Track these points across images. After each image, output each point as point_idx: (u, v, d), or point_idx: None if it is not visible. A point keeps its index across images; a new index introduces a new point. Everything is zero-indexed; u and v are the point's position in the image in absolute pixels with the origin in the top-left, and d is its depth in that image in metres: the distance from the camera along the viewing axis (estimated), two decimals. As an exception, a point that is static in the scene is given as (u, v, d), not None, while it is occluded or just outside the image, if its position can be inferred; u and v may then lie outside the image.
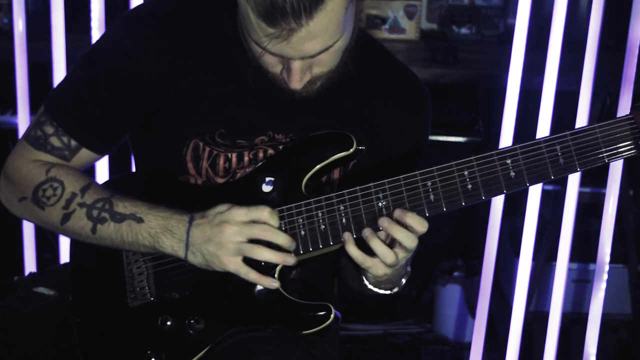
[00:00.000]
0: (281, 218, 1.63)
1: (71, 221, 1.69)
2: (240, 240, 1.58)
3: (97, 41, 1.77)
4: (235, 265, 1.59)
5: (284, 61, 1.58)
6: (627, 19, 2.49)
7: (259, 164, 1.72)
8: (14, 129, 2.99)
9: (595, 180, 3.01)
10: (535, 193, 2.62)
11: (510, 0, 3.62)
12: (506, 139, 2.59)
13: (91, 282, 1.78)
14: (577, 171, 1.52)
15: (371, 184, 1.59)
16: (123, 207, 1.66)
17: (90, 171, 2.61)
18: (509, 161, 1.54)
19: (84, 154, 1.74)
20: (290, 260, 1.60)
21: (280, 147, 1.73)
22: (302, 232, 1.62)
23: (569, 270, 2.71)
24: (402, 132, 1.79)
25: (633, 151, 1.51)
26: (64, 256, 2.78)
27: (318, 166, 1.67)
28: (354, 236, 1.59)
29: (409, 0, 3.59)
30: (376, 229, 1.57)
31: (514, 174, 1.54)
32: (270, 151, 1.73)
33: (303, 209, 1.63)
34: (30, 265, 2.78)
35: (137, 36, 1.70)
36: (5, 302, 1.80)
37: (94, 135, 1.74)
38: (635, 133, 1.51)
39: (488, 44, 3.62)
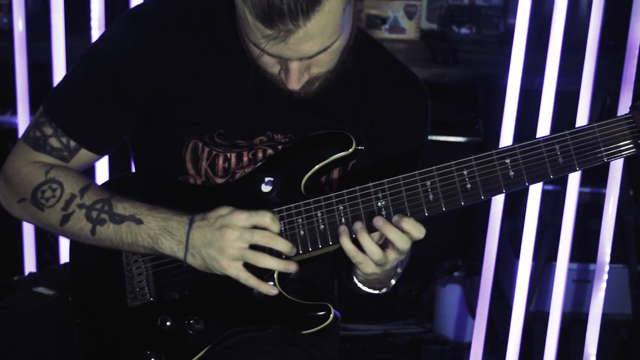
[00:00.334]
0: (280, 218, 1.63)
1: (70, 222, 1.69)
2: (242, 245, 1.58)
3: (97, 41, 1.77)
4: (235, 270, 1.59)
5: (282, 62, 1.58)
6: (627, 19, 2.49)
7: (258, 164, 1.72)
8: (14, 129, 2.99)
9: (595, 180, 3.01)
10: (535, 193, 2.61)
11: (510, 0, 3.61)
12: (506, 139, 2.59)
13: (91, 282, 1.77)
14: (576, 170, 1.52)
15: (370, 184, 1.59)
16: (122, 208, 1.66)
17: (90, 171, 2.61)
18: (508, 161, 1.54)
19: (83, 154, 1.74)
20: (292, 268, 1.60)
21: (280, 147, 1.73)
22: (302, 232, 1.62)
23: (569, 270, 2.71)
24: (401, 132, 1.79)
25: (632, 150, 1.51)
26: (64, 256, 2.78)
27: (317, 166, 1.67)
28: (353, 236, 1.59)
29: (409, 0, 3.59)
30: (372, 228, 1.57)
31: (513, 173, 1.54)
32: (270, 151, 1.73)
33: (302, 209, 1.63)
34: (30, 265, 2.78)
35: (137, 36, 1.69)
36: (5, 302, 1.80)
37: (94, 135, 1.74)
38: (634, 132, 1.51)
39: (488, 44, 3.62)
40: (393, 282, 1.73)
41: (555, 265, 2.67)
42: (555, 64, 2.51)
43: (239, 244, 1.57)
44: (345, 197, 1.60)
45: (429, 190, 1.57)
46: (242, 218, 1.58)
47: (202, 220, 1.61)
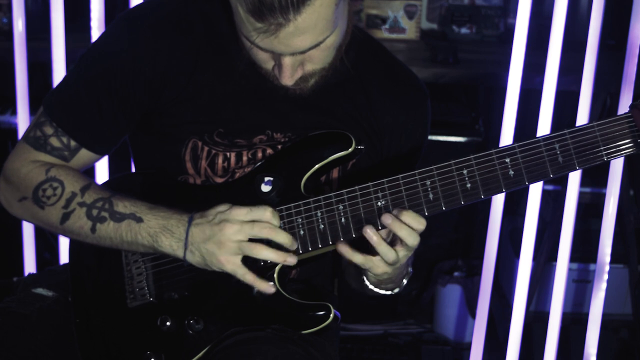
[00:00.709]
0: (280, 218, 1.63)
1: (71, 220, 1.69)
2: (241, 239, 1.57)
3: (95, 41, 1.78)
4: (233, 265, 1.59)
5: (275, 57, 1.58)
6: (628, 18, 2.49)
7: (258, 163, 1.72)
8: (14, 129, 2.99)
9: (595, 180, 3.01)
10: (535, 193, 2.61)
11: (511, 0, 3.62)
12: (506, 138, 2.59)
13: (90, 282, 1.77)
14: (576, 169, 1.52)
15: (370, 184, 1.59)
16: (123, 206, 1.66)
17: (90, 171, 2.61)
18: (507, 160, 1.54)
19: (84, 154, 1.74)
20: (292, 260, 1.59)
21: (279, 146, 1.73)
22: (302, 232, 1.62)
23: (570, 270, 2.71)
24: (401, 132, 1.78)
25: (632, 149, 1.51)
26: (64, 257, 2.77)
27: (317, 166, 1.67)
28: (354, 235, 1.59)
29: (409, 0, 3.59)
30: (376, 227, 1.57)
31: (512, 172, 1.54)
32: (269, 150, 1.73)
33: (302, 208, 1.62)
34: (29, 266, 2.78)
35: (134, 36, 1.70)
36: (5, 303, 1.80)
37: (94, 135, 1.74)
38: (634, 131, 1.51)
39: (488, 44, 3.62)
40: (405, 281, 1.72)
41: (555, 265, 2.67)
42: (555, 64, 2.51)
43: (238, 236, 1.57)
44: (345, 196, 1.60)
45: (429, 189, 1.57)
46: (242, 213, 1.58)
47: (201, 217, 1.61)
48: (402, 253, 1.57)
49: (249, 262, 1.60)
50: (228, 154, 1.73)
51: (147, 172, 1.82)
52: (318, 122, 1.73)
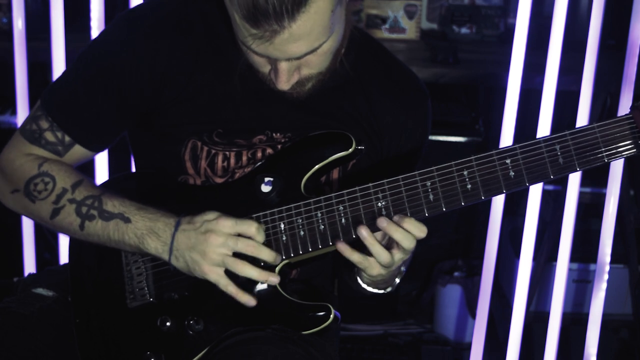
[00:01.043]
0: (280, 218, 1.63)
1: (60, 216, 1.70)
2: (224, 252, 1.58)
3: (95, 39, 1.78)
4: (216, 275, 1.59)
5: (271, 62, 1.58)
6: (628, 18, 2.49)
7: (258, 164, 1.72)
8: (14, 129, 2.97)
9: (595, 180, 3.01)
10: (535, 193, 2.61)
11: (511, -1, 3.62)
12: (506, 138, 2.58)
13: (90, 282, 1.77)
14: (576, 171, 1.52)
15: (370, 184, 1.59)
16: (112, 205, 1.67)
17: (90, 170, 2.62)
18: (508, 161, 1.54)
19: (78, 150, 1.75)
20: (274, 280, 1.60)
21: (279, 146, 1.73)
22: (302, 233, 1.62)
23: (570, 270, 2.71)
24: (401, 132, 1.78)
25: (633, 151, 1.51)
26: (64, 257, 2.77)
27: (317, 166, 1.67)
28: (354, 236, 1.59)
29: (409, 0, 3.59)
30: (374, 229, 1.57)
31: (513, 173, 1.54)
32: (269, 150, 1.73)
33: (302, 209, 1.62)
34: (29, 266, 2.78)
35: (132, 36, 1.70)
36: (4, 303, 1.80)
37: (88, 132, 1.75)
38: (634, 132, 1.50)
39: (488, 44, 3.61)
40: (398, 280, 1.73)
41: (555, 266, 2.67)
42: (555, 64, 2.51)
43: (221, 250, 1.57)
44: (346, 197, 1.60)
45: (429, 190, 1.57)
46: (228, 225, 1.58)
47: (189, 223, 1.61)
48: (398, 256, 1.57)
49: (249, 261, 1.60)
50: (227, 153, 1.73)
51: (147, 172, 1.82)
52: (318, 123, 1.73)
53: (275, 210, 1.64)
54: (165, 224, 1.63)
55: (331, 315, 1.64)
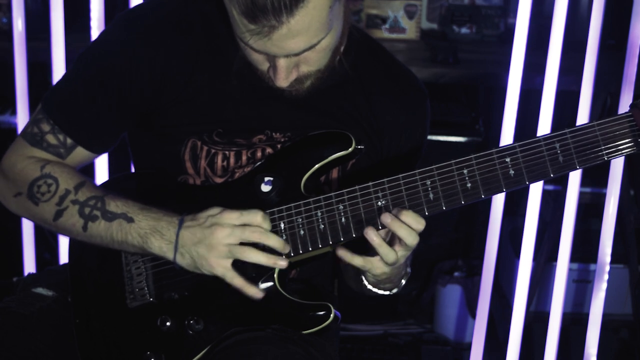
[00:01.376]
0: (280, 218, 1.63)
1: (64, 218, 1.69)
2: (232, 242, 1.57)
3: (95, 40, 1.78)
4: (223, 268, 1.59)
5: (269, 59, 1.57)
6: (628, 18, 2.49)
7: (258, 163, 1.72)
8: (14, 129, 2.99)
9: (596, 180, 3.01)
10: (535, 193, 2.61)
11: (511, -1, 3.62)
12: (507, 138, 2.58)
13: (90, 282, 1.77)
14: (576, 169, 1.52)
15: (370, 183, 1.59)
16: (115, 206, 1.67)
17: (90, 171, 2.62)
18: (508, 159, 1.54)
19: (80, 152, 1.75)
20: (282, 263, 1.59)
21: (279, 146, 1.73)
22: (302, 232, 1.62)
23: (570, 270, 2.71)
24: (400, 132, 1.78)
25: (632, 149, 1.51)
26: (63, 257, 2.77)
27: (317, 166, 1.66)
28: (354, 235, 1.59)
29: (409, 0, 3.59)
30: (376, 227, 1.57)
31: (513, 172, 1.54)
32: (269, 150, 1.73)
33: (302, 208, 1.62)
34: (29, 266, 2.78)
35: (131, 36, 1.70)
36: (4, 303, 1.80)
37: (90, 134, 1.74)
38: (634, 130, 1.50)
39: (488, 44, 3.61)
40: (404, 281, 1.72)
41: (555, 266, 2.67)
42: (555, 64, 2.51)
43: (229, 240, 1.57)
44: (345, 196, 1.60)
45: (429, 189, 1.57)
46: (233, 216, 1.58)
47: (192, 220, 1.61)
48: (401, 253, 1.57)
49: (242, 267, 1.60)
50: (227, 152, 1.73)
51: (146, 173, 1.82)
52: (317, 122, 1.73)
53: (275, 209, 1.64)
54: (168, 222, 1.63)
55: (331, 315, 1.64)
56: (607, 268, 2.66)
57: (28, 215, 1.76)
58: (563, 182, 2.73)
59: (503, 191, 1.55)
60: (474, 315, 3.04)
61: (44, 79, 2.97)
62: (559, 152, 1.52)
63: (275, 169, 1.68)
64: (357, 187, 1.60)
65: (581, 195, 2.67)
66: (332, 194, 1.61)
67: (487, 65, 3.30)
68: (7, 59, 2.73)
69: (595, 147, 1.51)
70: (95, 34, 2.62)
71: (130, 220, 1.65)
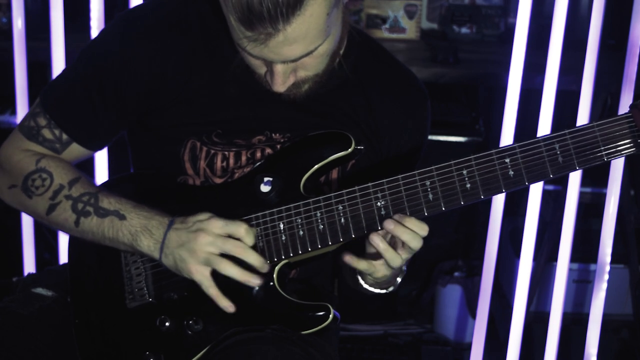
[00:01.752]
0: (279, 218, 1.63)
1: (56, 212, 1.70)
2: (212, 251, 1.58)
3: (94, 38, 1.79)
4: (200, 275, 1.59)
5: (267, 63, 1.57)
6: (628, 18, 2.49)
7: (257, 164, 1.72)
8: (13, 129, 2.98)
9: (596, 180, 3.00)
10: (536, 193, 2.61)
11: (511, -1, 3.62)
12: (507, 138, 2.58)
13: (90, 282, 1.77)
14: (576, 170, 1.52)
15: (369, 184, 1.59)
16: (108, 203, 1.68)
17: (89, 170, 2.62)
18: (507, 160, 1.54)
19: (75, 148, 1.76)
20: (255, 281, 1.59)
21: (278, 146, 1.73)
22: (301, 232, 1.62)
23: (570, 270, 2.71)
24: (400, 132, 1.78)
25: (632, 149, 1.50)
26: (63, 257, 2.77)
27: (316, 166, 1.66)
28: (353, 236, 1.59)
29: (409, 0, 3.59)
30: (375, 229, 1.57)
31: (512, 173, 1.54)
32: (268, 150, 1.73)
33: (302, 209, 1.62)
34: (29, 266, 2.78)
35: (129, 36, 1.70)
36: (4, 303, 1.80)
37: (85, 131, 1.75)
38: (634, 131, 1.50)
39: (489, 44, 3.61)
40: (399, 280, 1.73)
41: (555, 266, 2.67)
42: (556, 64, 2.50)
43: (209, 248, 1.57)
44: (345, 197, 1.60)
45: (429, 190, 1.56)
46: (218, 225, 1.58)
47: (182, 223, 1.61)
48: (404, 256, 1.58)
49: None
50: (227, 153, 1.73)
51: (146, 173, 1.82)
52: (317, 123, 1.72)
53: (274, 210, 1.64)
54: (159, 222, 1.63)
55: (330, 315, 1.64)
56: (608, 268, 2.66)
57: (22, 207, 1.77)
58: (563, 182, 2.73)
59: (502, 192, 1.55)
60: (474, 316, 3.03)
61: (44, 79, 2.97)
62: (558, 152, 1.52)
63: (274, 169, 1.68)
64: (356, 187, 1.59)
65: (581, 195, 2.67)
66: (332, 194, 1.61)
67: (487, 65, 3.30)
68: (7, 58, 2.73)
69: (595, 148, 1.51)
70: (95, 34, 2.62)
71: (122, 217, 1.65)
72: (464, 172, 1.55)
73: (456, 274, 3.48)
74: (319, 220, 1.61)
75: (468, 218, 3.53)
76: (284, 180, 1.66)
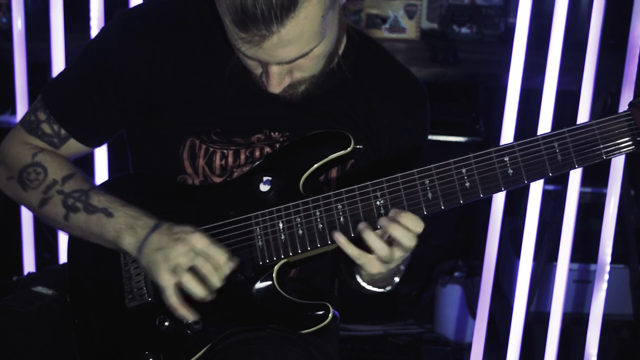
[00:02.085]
0: (279, 217, 1.63)
1: (48, 206, 1.73)
2: (182, 262, 1.57)
3: (95, 36, 1.80)
4: (166, 282, 1.59)
5: (263, 64, 1.58)
6: (628, 18, 2.49)
7: (256, 163, 1.72)
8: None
9: (596, 180, 3.00)
10: (536, 193, 2.61)
11: (511, -1, 3.62)
12: (507, 138, 2.58)
13: (89, 282, 1.77)
14: (575, 168, 1.52)
15: (369, 183, 1.59)
16: (98, 200, 1.69)
17: (89, 169, 2.62)
18: (506, 159, 1.54)
19: (73, 144, 1.78)
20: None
21: (277, 145, 1.73)
22: (300, 232, 1.62)
23: (570, 270, 2.71)
24: (400, 132, 1.78)
25: (631, 147, 1.50)
26: (63, 256, 2.77)
27: (316, 165, 1.66)
28: (352, 235, 1.59)
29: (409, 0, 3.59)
30: (374, 228, 1.56)
31: (511, 171, 1.54)
32: (267, 149, 1.73)
33: (301, 208, 1.62)
34: (29, 265, 2.78)
35: (128, 36, 1.71)
36: (4, 302, 1.80)
37: (84, 128, 1.77)
38: (633, 129, 1.50)
39: (489, 44, 3.61)
40: (397, 279, 1.72)
41: (556, 266, 2.67)
42: (556, 64, 2.50)
43: (182, 259, 1.57)
44: (344, 196, 1.60)
45: (428, 188, 1.56)
46: (200, 242, 1.58)
47: (167, 229, 1.61)
48: (398, 254, 1.56)
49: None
50: (225, 151, 1.73)
51: (146, 173, 1.82)
52: (316, 122, 1.72)
53: (273, 209, 1.63)
54: (145, 223, 1.64)
55: (330, 314, 1.64)
56: (608, 268, 2.66)
57: (17, 199, 1.80)
58: (563, 182, 2.73)
59: (502, 190, 1.55)
60: (474, 316, 3.03)
61: (44, 79, 2.97)
62: (557, 151, 1.52)
63: (274, 168, 1.68)
64: (355, 186, 1.59)
65: (581, 195, 2.66)
66: (331, 193, 1.61)
67: (487, 65, 3.30)
68: (7, 58, 2.73)
69: (594, 146, 1.51)
70: (95, 33, 2.61)
71: (109, 215, 1.67)
72: (463, 170, 1.55)
73: (456, 274, 3.48)
74: (319, 220, 1.61)
75: (468, 218, 3.53)
76: (284, 180, 1.66)
